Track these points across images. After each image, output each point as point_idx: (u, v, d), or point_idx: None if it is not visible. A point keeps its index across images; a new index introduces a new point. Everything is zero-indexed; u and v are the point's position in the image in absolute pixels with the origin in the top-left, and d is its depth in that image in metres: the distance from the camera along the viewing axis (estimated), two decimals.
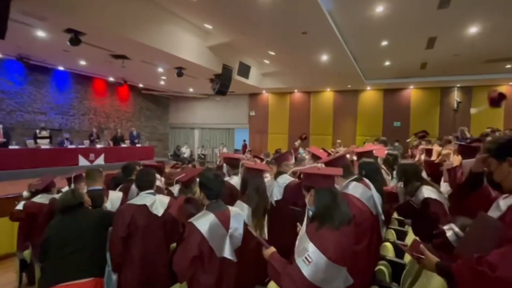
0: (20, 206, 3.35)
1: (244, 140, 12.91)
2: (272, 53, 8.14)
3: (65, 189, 3.32)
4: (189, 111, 14.23)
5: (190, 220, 1.59)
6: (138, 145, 10.65)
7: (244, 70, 9.26)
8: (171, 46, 6.67)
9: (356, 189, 1.72)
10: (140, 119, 13.03)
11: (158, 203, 2.00)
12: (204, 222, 1.55)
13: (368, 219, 1.66)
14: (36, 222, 2.73)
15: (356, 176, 1.81)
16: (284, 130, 12.58)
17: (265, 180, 2.24)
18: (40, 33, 5.91)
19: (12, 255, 3.80)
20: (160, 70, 8.78)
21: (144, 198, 1.98)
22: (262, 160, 3.95)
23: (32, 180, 3.60)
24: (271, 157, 3.95)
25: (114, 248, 1.87)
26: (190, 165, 4.56)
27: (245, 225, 1.74)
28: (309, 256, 1.15)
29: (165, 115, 14.40)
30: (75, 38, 5.62)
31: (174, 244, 2.23)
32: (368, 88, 11.15)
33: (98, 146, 9.23)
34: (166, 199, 2.08)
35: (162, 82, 11.10)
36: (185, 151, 12.91)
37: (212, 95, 12.09)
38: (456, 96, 10.18)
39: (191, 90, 12.65)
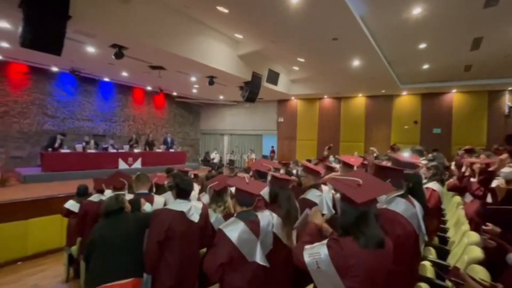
0: (67, 205, 3.68)
1: (272, 147, 12.88)
2: (301, 60, 8.07)
3: (107, 192, 3.61)
4: (219, 117, 14.56)
5: (220, 227, 1.61)
6: (171, 150, 11.15)
7: (273, 77, 9.29)
8: (203, 56, 6.94)
9: (400, 206, 1.58)
10: (174, 125, 13.66)
11: (194, 210, 2.04)
12: (234, 230, 1.57)
13: (412, 238, 1.54)
14: (90, 220, 2.97)
15: (402, 192, 1.66)
16: (313, 137, 12.31)
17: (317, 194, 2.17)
18: (90, 49, 6.52)
19: (62, 249, 4.16)
20: (193, 79, 9.16)
21: (181, 205, 2.03)
22: (286, 165, 3.87)
23: (80, 182, 3.95)
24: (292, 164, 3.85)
25: (150, 251, 1.94)
26: (225, 171, 4.63)
27: (274, 234, 1.73)
28: (320, 260, 1.17)
29: (197, 122, 14.92)
30: (119, 52, 6.12)
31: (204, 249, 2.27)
32: (404, 93, 10.52)
33: (136, 150, 9.84)
34: (200, 205, 2.13)
35: (194, 90, 11.55)
36: (215, 157, 13.22)
37: (241, 102, 12.27)
38: (507, 100, 9.17)
39: (221, 97, 12.97)
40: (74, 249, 3.55)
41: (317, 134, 12.24)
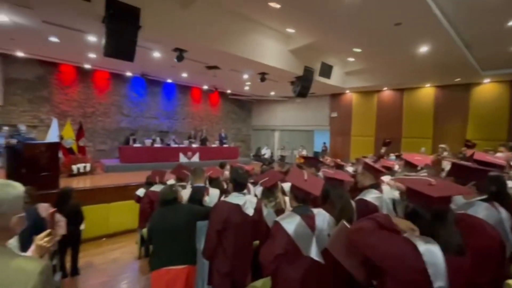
0: (138, 192, 4.21)
1: (324, 143, 12.39)
2: (358, 50, 7.52)
3: (170, 180, 3.99)
4: (270, 113, 14.65)
5: (277, 219, 1.63)
6: (225, 145, 11.73)
7: (326, 71, 8.90)
8: (255, 54, 7.05)
9: (481, 211, 1.39)
10: (227, 121, 14.29)
11: (248, 204, 2.12)
12: (290, 222, 1.58)
13: (497, 248, 1.34)
14: (154, 207, 3.36)
15: (485, 196, 1.46)
16: (370, 132, 11.40)
17: (374, 195, 2.03)
18: (156, 54, 7.27)
19: (135, 230, 4.79)
20: (245, 76, 9.40)
21: (237, 198, 2.13)
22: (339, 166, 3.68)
23: (149, 172, 4.46)
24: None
25: (209, 239, 2.08)
26: (276, 166, 4.66)
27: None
28: None
29: (248, 118, 15.31)
30: (180, 55, 6.67)
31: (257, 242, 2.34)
32: (486, 80, 8.88)
33: (194, 145, 10.64)
34: (254, 200, 2.19)
35: (246, 88, 11.87)
36: (266, 152, 13.40)
37: (292, 97, 12.11)
38: None
39: (272, 93, 13.03)
40: (144, 231, 4.05)
41: (375, 130, 11.29)
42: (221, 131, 12.41)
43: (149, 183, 4.17)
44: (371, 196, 2.05)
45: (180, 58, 6.72)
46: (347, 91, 11.71)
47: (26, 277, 0.84)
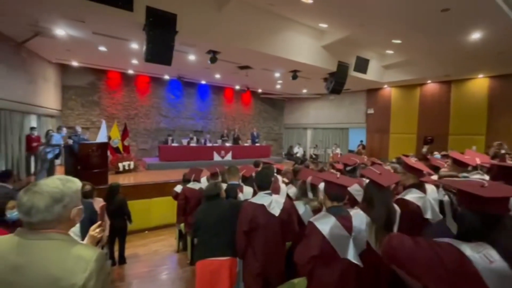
0: (176, 188, 4.43)
1: (361, 141, 11.78)
2: (397, 42, 7.01)
3: (203, 179, 4.14)
4: (302, 111, 14.41)
5: (311, 220, 1.60)
6: (257, 144, 11.81)
7: (362, 65, 8.46)
8: (287, 51, 6.98)
9: None
10: (259, 120, 14.37)
11: (274, 204, 2.11)
12: (325, 223, 1.54)
13: None
14: (189, 203, 3.52)
15: None
16: (411, 129, 10.57)
17: (415, 196, 1.89)
18: (191, 57, 7.59)
19: (174, 225, 5.08)
20: (277, 75, 9.36)
21: (262, 198, 2.13)
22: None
23: (186, 170, 4.68)
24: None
25: (239, 240, 2.12)
26: (310, 165, 4.59)
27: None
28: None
29: (280, 116, 15.23)
30: (214, 57, 6.87)
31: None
32: None
33: (227, 144, 10.90)
34: (281, 199, 2.17)
35: (278, 86, 11.81)
36: (298, 151, 13.19)
37: (325, 94, 11.76)
38: None
39: (304, 91, 12.78)
40: (182, 226, 4.27)
41: (417, 126, 10.43)
42: (253, 130, 12.52)
43: (186, 180, 4.37)
44: (412, 196, 1.90)
45: (213, 60, 6.92)
46: (385, 86, 11.00)
47: (85, 264, 0.94)
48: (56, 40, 6.23)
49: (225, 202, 2.37)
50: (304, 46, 7.24)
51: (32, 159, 6.75)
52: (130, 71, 10.04)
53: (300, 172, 2.71)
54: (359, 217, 1.58)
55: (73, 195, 1.02)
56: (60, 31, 5.73)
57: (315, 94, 13.18)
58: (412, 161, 2.11)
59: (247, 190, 2.77)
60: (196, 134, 11.27)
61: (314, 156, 12.72)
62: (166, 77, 10.96)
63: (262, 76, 9.63)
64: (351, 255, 1.51)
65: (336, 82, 8.27)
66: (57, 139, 6.15)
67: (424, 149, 4.32)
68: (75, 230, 1.60)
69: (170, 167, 8.90)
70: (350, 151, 12.03)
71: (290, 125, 15.06)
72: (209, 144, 10.62)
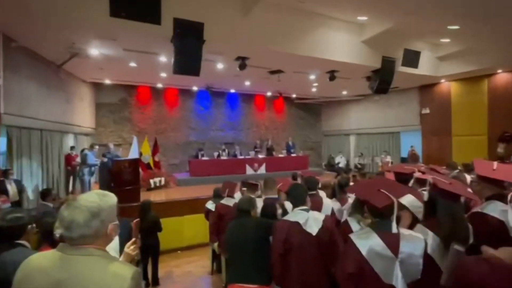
0: (208, 205, 4.52)
1: (412, 147, 10.91)
2: (454, 28, 6.53)
3: (237, 194, 4.17)
4: (342, 116, 14.06)
5: (351, 235, 1.53)
6: (293, 155, 11.69)
7: (412, 58, 8.01)
8: (322, 51, 6.91)
9: None
10: (294, 128, 14.29)
11: (312, 221, 2.03)
12: (365, 241, 1.47)
13: None
14: (223, 221, 3.57)
15: None
16: (480, 130, 9.57)
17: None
18: (219, 65, 7.91)
19: (207, 244, 5.17)
20: (312, 77, 9.28)
21: (297, 215, 2.06)
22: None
23: (217, 185, 4.79)
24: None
25: (273, 262, 2.06)
26: (358, 176, 4.40)
27: (428, 256, 1.47)
28: None
29: (318, 123, 14.99)
30: (243, 63, 7.08)
31: None
32: None
33: (260, 156, 10.97)
34: (320, 217, 2.08)
35: (313, 89, 11.69)
36: (340, 160, 12.76)
37: (369, 95, 11.33)
38: None
39: (344, 92, 12.48)
40: (215, 245, 4.32)
41: (487, 126, 9.42)
42: (288, 139, 12.47)
43: (217, 196, 4.45)
44: (493, 209, 1.71)
45: (242, 67, 7.13)
46: (443, 80, 10.22)
47: (122, 281, 1.00)
48: (90, 60, 6.98)
49: (252, 221, 2.34)
50: (342, 43, 7.11)
51: (71, 177, 7.51)
52: (159, 85, 10.78)
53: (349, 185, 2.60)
54: (414, 240, 1.45)
55: (110, 210, 1.10)
56: (94, 50, 6.42)
57: (357, 95, 12.79)
58: (492, 165, 1.85)
59: (289, 206, 2.72)
60: (227, 146, 11.57)
61: (359, 166, 12.17)
62: (195, 88, 11.55)
63: (296, 79, 9.64)
64: (398, 283, 1.39)
65: (382, 81, 7.93)
66: (91, 158, 6.77)
67: (500, 149, 3.75)
68: (114, 247, 1.71)
69: (201, 182, 9.19)
70: (403, 160, 11.28)
71: (329, 132, 14.73)
72: (241, 157, 10.81)
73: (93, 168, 6.97)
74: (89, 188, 6.88)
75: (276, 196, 2.84)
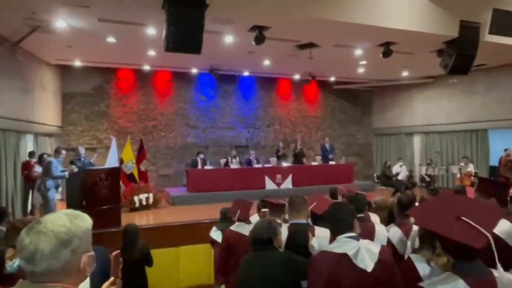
0: (214, 234, 4.52)
1: (507, 150, 10.40)
2: None
3: (254, 218, 4.14)
4: (403, 107, 13.88)
5: (423, 284, 1.50)
6: (331, 162, 11.57)
7: (505, 22, 7.73)
8: (372, 15, 6.83)
9: None
10: (333, 125, 14.20)
11: (364, 253, 2.03)
12: None
13: None
14: (234, 255, 3.56)
15: None
16: None
17: None
18: (227, 39, 7.99)
19: (211, 286, 5.18)
20: (358, 52, 9.19)
21: (344, 245, 2.06)
22: None
23: (225, 204, 4.81)
24: None
25: None
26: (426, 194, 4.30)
27: None
28: None
29: (366, 117, 14.81)
30: (260, 35, 7.12)
31: None
32: None
33: (284, 164, 10.95)
34: (375, 247, 2.09)
35: (360, 70, 11.56)
36: (399, 170, 12.41)
37: (441, 76, 11.07)
38: None
39: (405, 74, 12.30)
40: None
41: None
42: (325, 141, 12.34)
43: (225, 219, 4.44)
44: None
45: (259, 39, 7.17)
46: None
47: None
48: (56, 36, 7.24)
49: (275, 256, 2.34)
50: (401, 4, 7.02)
51: (30, 192, 7.77)
52: (146, 67, 11.05)
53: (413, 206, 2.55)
54: None
55: (83, 237, 1.12)
56: (61, 22, 6.66)
57: (424, 77, 12.58)
58: None
59: (323, 233, 2.69)
60: (239, 151, 11.64)
61: (427, 179, 11.82)
62: (194, 70, 11.74)
63: (335, 56, 9.56)
64: None
65: (460, 55, 7.74)
66: (56, 167, 6.95)
67: None
68: (82, 286, 1.75)
69: (203, 201, 9.28)
70: (493, 169, 10.87)
71: (383, 130, 14.54)
72: (257, 165, 10.83)
73: (59, 181, 7.18)
74: (55, 207, 7.09)
75: (304, 221, 2.82)
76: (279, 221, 2.93)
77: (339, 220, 2.16)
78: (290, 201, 3.00)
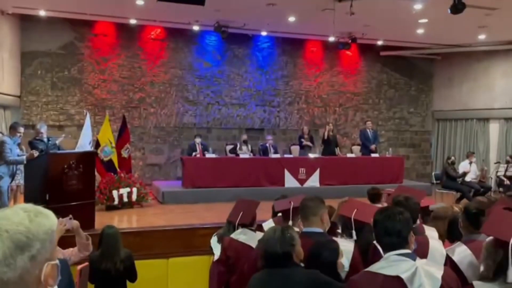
0: (214, 245, 4.54)
1: None
2: None
3: (268, 222, 4.12)
4: (476, 83, 13.71)
5: None
6: (373, 155, 11.46)
7: None
8: None
9: None
10: (378, 105, 14.08)
11: (423, 277, 2.03)
12: None
13: None
14: (235, 271, 3.57)
15: None
16: None
17: None
18: None
19: None
20: (417, 6, 9.03)
21: (396, 265, 2.07)
22: None
23: (230, 206, 4.81)
24: None
25: None
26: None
27: None
28: None
29: (424, 96, 14.65)
30: None
31: None
32: None
33: (311, 156, 10.92)
34: (437, 271, 2.09)
35: (419, 31, 11.37)
36: (468, 169, 12.20)
37: None
38: None
39: (481, 37, 12.08)
40: None
41: None
42: (366, 126, 12.17)
43: (229, 224, 4.44)
44: None
45: None
46: None
47: None
48: None
49: (301, 274, 2.38)
50: None
51: None
52: (132, 21, 11.04)
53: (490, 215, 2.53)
54: None
55: (46, 240, 1.12)
56: None
57: (507, 42, 12.32)
58: None
59: (346, 247, 2.72)
60: (251, 135, 11.63)
61: (506, 182, 11.63)
62: (195, 27, 11.69)
63: (385, 11, 9.47)
64: None
65: None
66: (12, 148, 7.01)
67: None
68: None
69: (202, 199, 9.35)
70: None
71: (447, 114, 14.46)
72: (275, 155, 10.81)
73: (15, 167, 7.26)
74: (8, 201, 7.19)
75: (319, 229, 2.81)
76: (297, 229, 2.93)
77: (389, 232, 2.15)
78: (302, 204, 3.00)
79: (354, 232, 3.07)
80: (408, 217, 2.26)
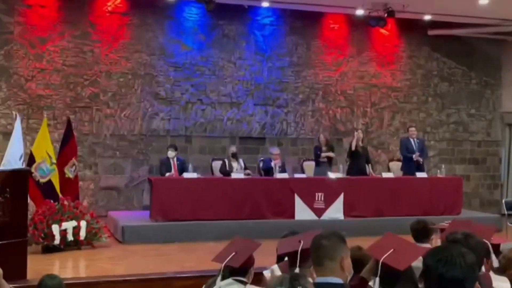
0: None
1: None
2: None
3: (271, 269, 4.11)
4: None
5: None
6: (420, 174, 11.46)
7: None
8: None
9: None
10: (426, 105, 14.16)
11: None
12: None
13: None
14: None
15: None
16: None
17: None
18: None
19: None
20: None
21: None
22: None
23: (220, 246, 4.83)
24: None
25: None
26: None
27: None
28: None
29: (490, 91, 14.78)
30: None
31: None
32: None
33: (332, 175, 10.93)
34: None
35: (482, 2, 11.43)
36: None
37: None
38: None
39: None
40: None
41: None
42: (409, 134, 12.18)
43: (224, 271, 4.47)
44: None
45: None
46: None
47: None
48: None
49: None
50: None
51: None
52: None
53: None
54: None
55: None
56: None
57: None
58: None
59: None
60: (246, 147, 11.68)
61: None
62: None
63: None
64: None
65: None
66: None
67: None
68: None
69: (179, 237, 9.35)
70: None
71: None
72: (281, 175, 10.84)
73: None
74: None
75: (338, 280, 2.82)
76: (310, 280, 2.93)
77: (446, 284, 2.17)
78: (314, 243, 2.97)
79: (377, 280, 3.05)
80: (474, 261, 2.26)
